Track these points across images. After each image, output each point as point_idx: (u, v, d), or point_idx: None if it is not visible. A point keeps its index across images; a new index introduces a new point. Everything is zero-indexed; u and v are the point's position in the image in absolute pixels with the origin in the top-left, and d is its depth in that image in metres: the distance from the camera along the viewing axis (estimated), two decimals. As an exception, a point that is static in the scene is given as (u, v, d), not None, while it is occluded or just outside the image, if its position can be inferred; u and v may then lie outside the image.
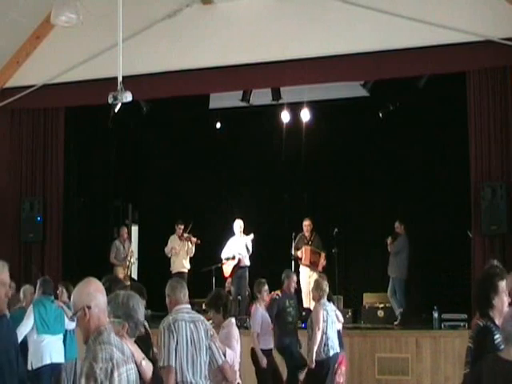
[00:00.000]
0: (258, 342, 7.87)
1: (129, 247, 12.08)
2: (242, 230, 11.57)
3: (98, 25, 9.48)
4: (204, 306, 6.28)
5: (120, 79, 6.15)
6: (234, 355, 5.64)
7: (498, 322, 4.04)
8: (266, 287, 8.33)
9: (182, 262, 11.78)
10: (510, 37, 8.84)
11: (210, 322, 5.80)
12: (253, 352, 7.93)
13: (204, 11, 10.11)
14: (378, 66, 9.60)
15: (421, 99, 11.12)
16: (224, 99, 12.06)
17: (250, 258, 11.55)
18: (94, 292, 3.30)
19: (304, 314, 10.74)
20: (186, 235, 11.85)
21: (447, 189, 11.51)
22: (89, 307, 3.24)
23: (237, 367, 5.75)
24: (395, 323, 10.58)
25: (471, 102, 9.30)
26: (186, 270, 11.79)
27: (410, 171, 12.40)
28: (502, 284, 4.14)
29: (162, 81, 10.29)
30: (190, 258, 11.92)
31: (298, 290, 11.41)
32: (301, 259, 11.44)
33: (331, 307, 7.94)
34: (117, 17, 6.44)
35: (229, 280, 11.57)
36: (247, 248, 11.45)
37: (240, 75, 10.20)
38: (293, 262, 11.54)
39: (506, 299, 4.10)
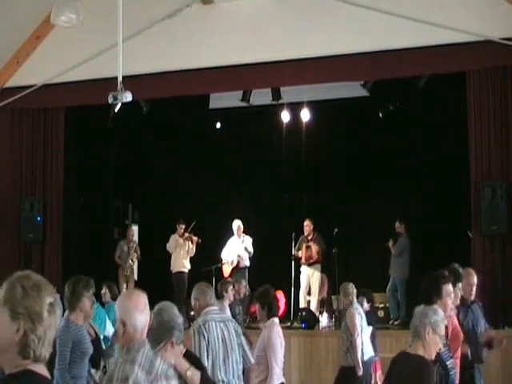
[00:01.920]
0: None
1: (133, 248, 12.08)
2: (242, 229, 11.57)
3: (98, 25, 9.48)
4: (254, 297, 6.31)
5: (120, 79, 6.15)
6: (273, 356, 5.57)
7: None
8: (232, 287, 8.33)
9: (182, 262, 11.78)
10: (509, 37, 8.84)
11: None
12: None
13: (204, 11, 10.11)
14: (378, 66, 9.60)
15: (421, 99, 11.12)
16: (224, 99, 12.06)
17: (250, 258, 11.55)
18: (132, 310, 3.25)
19: (304, 314, 10.75)
20: (186, 235, 11.85)
21: (447, 189, 11.51)
22: (124, 324, 3.24)
23: (280, 367, 5.69)
24: (395, 323, 10.58)
25: (471, 101, 9.30)
26: (187, 270, 11.79)
27: (410, 171, 12.40)
28: (447, 287, 4.15)
29: (161, 81, 10.29)
30: (190, 258, 11.92)
31: (297, 290, 11.45)
32: (301, 259, 11.44)
33: (361, 310, 7.73)
34: (117, 17, 6.44)
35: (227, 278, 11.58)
36: (247, 250, 11.46)
37: (240, 75, 10.20)
38: (293, 262, 11.54)
39: (449, 303, 4.12)
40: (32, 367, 2.18)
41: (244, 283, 8.80)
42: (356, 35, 9.51)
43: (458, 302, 5.23)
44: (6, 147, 11.22)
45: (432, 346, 3.70)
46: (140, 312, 3.25)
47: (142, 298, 3.33)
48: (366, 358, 7.43)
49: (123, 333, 3.23)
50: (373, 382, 7.69)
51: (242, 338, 5.28)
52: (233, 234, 11.66)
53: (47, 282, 2.29)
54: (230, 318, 5.47)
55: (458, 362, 4.57)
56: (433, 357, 3.75)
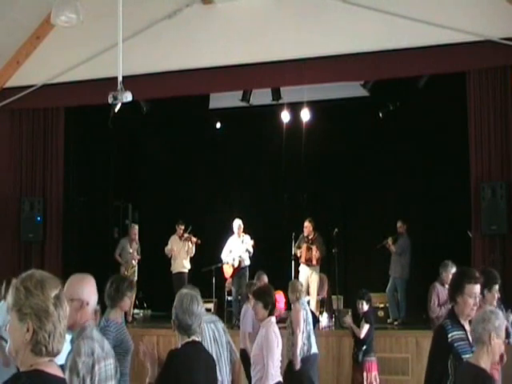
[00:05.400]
0: (249, 343, 7.67)
1: (136, 249, 12.04)
2: (242, 229, 11.57)
3: (98, 25, 9.48)
4: (252, 296, 6.32)
5: (120, 79, 6.14)
6: (270, 355, 5.57)
7: (462, 319, 4.13)
8: None
9: (182, 262, 11.78)
10: (509, 37, 8.84)
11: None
12: (243, 353, 7.71)
13: (204, 11, 10.11)
14: (378, 66, 9.60)
15: (421, 99, 11.12)
16: (224, 99, 12.07)
17: (251, 258, 11.54)
18: (92, 291, 3.51)
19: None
20: (186, 235, 11.84)
21: (447, 189, 11.51)
22: (87, 304, 3.44)
23: (277, 366, 5.71)
24: (395, 323, 10.59)
25: (471, 102, 9.29)
26: (187, 270, 11.78)
27: (410, 171, 12.42)
28: (470, 287, 4.13)
29: (162, 81, 10.28)
30: (190, 258, 11.91)
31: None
32: (300, 258, 11.42)
33: (307, 307, 7.85)
34: (117, 17, 6.44)
35: (229, 280, 11.58)
36: (248, 251, 11.45)
37: (240, 75, 10.20)
38: (293, 262, 11.53)
39: (470, 301, 4.11)
40: (43, 367, 2.23)
41: (265, 279, 8.80)
42: (356, 35, 9.51)
43: (495, 303, 5.20)
44: (5, 147, 11.22)
45: (496, 350, 3.72)
46: (96, 294, 3.51)
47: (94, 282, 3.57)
48: (312, 352, 7.44)
49: (81, 312, 3.40)
50: (368, 381, 7.69)
51: (228, 335, 5.44)
52: (233, 233, 11.65)
53: (51, 276, 2.33)
54: (216, 318, 5.60)
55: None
56: (497, 360, 3.78)
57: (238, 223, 11.59)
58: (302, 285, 7.96)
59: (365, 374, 7.73)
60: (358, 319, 8.08)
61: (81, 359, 3.18)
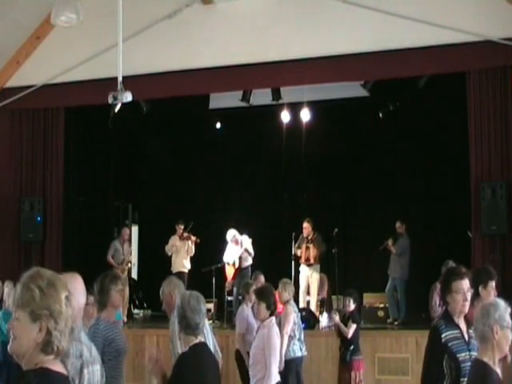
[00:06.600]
0: (242, 343, 7.74)
1: (128, 250, 12.03)
2: (237, 239, 11.36)
3: (98, 25, 9.50)
4: (254, 295, 6.32)
5: (120, 79, 6.15)
6: (273, 355, 5.62)
7: (455, 318, 4.10)
8: (254, 288, 8.29)
9: (182, 262, 11.77)
10: (509, 37, 8.85)
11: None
12: (237, 353, 7.81)
13: (204, 11, 10.12)
14: (378, 66, 9.61)
15: (421, 99, 11.13)
16: (224, 99, 12.07)
17: (252, 259, 11.51)
18: (81, 291, 3.34)
19: (304, 314, 10.74)
20: (185, 234, 11.84)
21: (447, 189, 11.51)
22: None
23: (277, 365, 5.76)
24: (395, 323, 10.58)
25: (471, 102, 9.30)
26: (187, 270, 11.77)
27: (410, 171, 12.42)
28: (456, 283, 4.12)
29: (162, 81, 10.28)
30: (190, 258, 11.91)
31: (296, 290, 11.43)
32: (300, 258, 11.42)
33: (297, 309, 7.89)
34: (117, 17, 6.44)
35: (229, 280, 11.56)
36: (248, 252, 11.40)
37: (240, 75, 10.20)
38: (293, 262, 11.53)
39: (459, 298, 4.09)
40: (49, 365, 2.23)
41: (263, 279, 8.78)
42: (356, 35, 9.51)
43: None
44: (5, 147, 11.22)
45: (503, 342, 3.49)
46: (83, 294, 3.34)
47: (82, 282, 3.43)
48: (299, 354, 7.51)
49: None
50: (357, 380, 7.71)
51: (214, 336, 5.51)
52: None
53: (57, 275, 2.34)
54: None
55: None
56: (507, 351, 3.55)
57: (232, 234, 11.40)
58: (293, 286, 7.98)
59: (353, 373, 7.75)
60: (344, 318, 8.09)
61: (69, 360, 3.06)
